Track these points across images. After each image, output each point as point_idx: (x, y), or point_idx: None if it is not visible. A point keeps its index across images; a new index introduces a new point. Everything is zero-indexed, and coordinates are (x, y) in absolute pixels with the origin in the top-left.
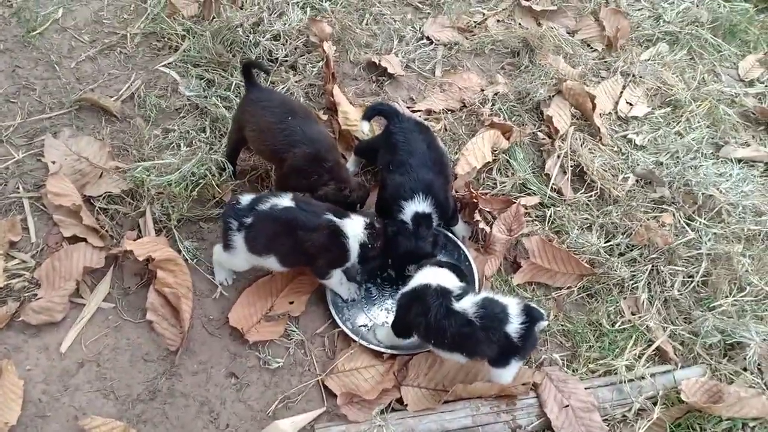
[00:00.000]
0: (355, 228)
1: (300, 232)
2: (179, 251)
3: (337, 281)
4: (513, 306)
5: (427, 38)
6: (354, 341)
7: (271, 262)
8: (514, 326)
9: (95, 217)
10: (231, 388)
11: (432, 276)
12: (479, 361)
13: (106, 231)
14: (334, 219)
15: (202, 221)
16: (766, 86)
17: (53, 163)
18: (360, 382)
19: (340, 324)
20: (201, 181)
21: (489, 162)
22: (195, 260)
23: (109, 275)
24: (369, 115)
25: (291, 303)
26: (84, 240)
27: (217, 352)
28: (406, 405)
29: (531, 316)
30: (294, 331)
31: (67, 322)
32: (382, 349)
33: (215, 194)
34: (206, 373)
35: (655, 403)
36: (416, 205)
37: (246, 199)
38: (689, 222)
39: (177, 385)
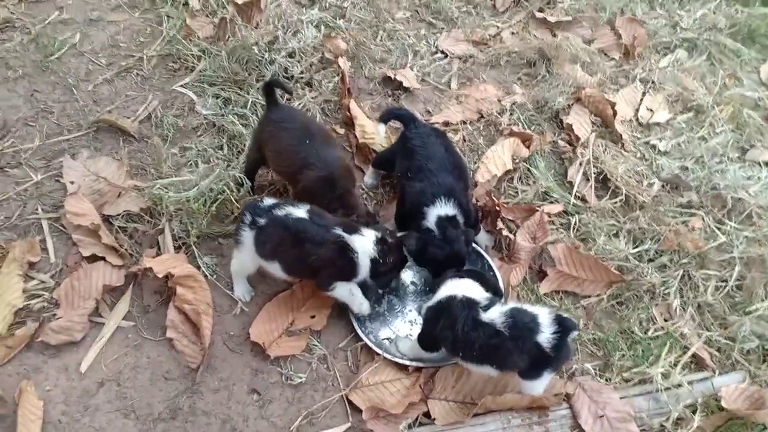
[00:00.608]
0: (365, 244)
1: (308, 245)
2: (198, 268)
3: (346, 293)
4: (544, 315)
5: (442, 52)
6: (378, 354)
7: (275, 269)
8: (545, 336)
9: (114, 236)
10: (253, 404)
11: (456, 287)
12: (510, 373)
13: (125, 249)
14: (343, 234)
15: (221, 237)
16: None
17: (72, 183)
18: (385, 396)
19: (363, 337)
20: (219, 197)
21: (510, 171)
22: (214, 276)
23: (128, 293)
24: (385, 118)
25: (312, 317)
26: (103, 259)
27: (238, 368)
28: (434, 419)
29: (563, 326)
30: (316, 346)
31: (86, 341)
32: (407, 362)
33: (234, 210)
34: (228, 390)
35: (694, 411)
36: (439, 209)
37: (269, 201)
38: (719, 226)
39: (198, 403)
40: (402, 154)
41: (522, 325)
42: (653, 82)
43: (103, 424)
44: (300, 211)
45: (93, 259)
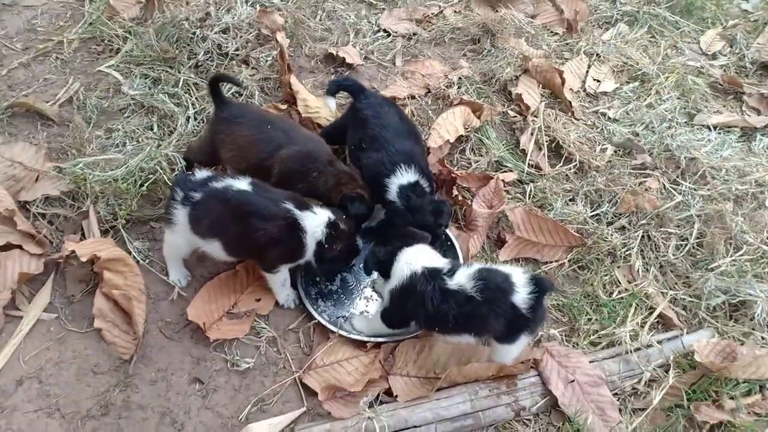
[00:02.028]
0: (314, 223)
1: (253, 220)
2: (129, 253)
3: (280, 280)
4: (518, 275)
5: (384, 31)
6: (333, 333)
7: (214, 248)
8: (521, 296)
9: (32, 223)
10: (196, 395)
11: (413, 258)
12: (487, 339)
13: (45, 236)
14: (293, 210)
15: (153, 221)
16: (728, 58)
17: None
18: (343, 375)
19: (316, 316)
20: (151, 176)
21: (462, 141)
22: (147, 261)
23: (49, 283)
24: (333, 90)
25: (258, 300)
26: (19, 247)
27: (177, 357)
28: (396, 396)
29: (540, 287)
30: (264, 328)
31: (2, 337)
32: (365, 338)
33: (167, 192)
34: (166, 381)
35: (666, 371)
36: (401, 178)
37: (202, 174)
38: (674, 186)
39: (133, 396)
40: (353, 125)
41: (494, 286)
42: (597, 54)
43: (23, 426)
44: (242, 183)
45: (8, 248)
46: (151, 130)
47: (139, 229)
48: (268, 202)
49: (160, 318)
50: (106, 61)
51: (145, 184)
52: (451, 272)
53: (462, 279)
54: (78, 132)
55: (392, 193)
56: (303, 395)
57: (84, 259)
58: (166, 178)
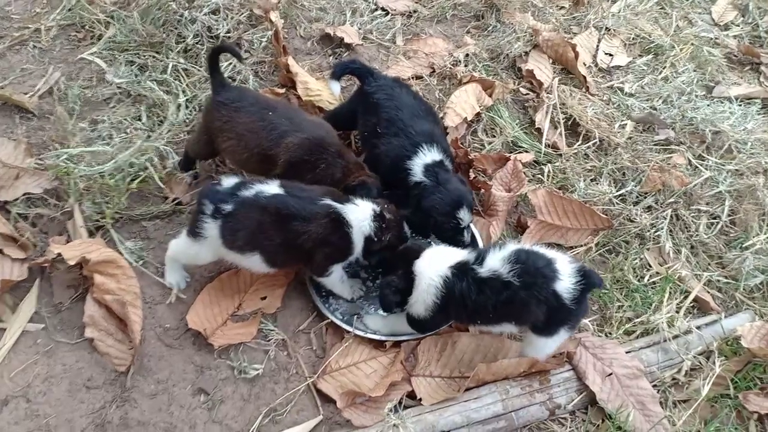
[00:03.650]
0: (359, 216)
1: (295, 224)
2: (121, 254)
3: (337, 279)
4: (563, 262)
5: (382, 9)
6: (348, 332)
7: (254, 261)
8: (565, 285)
9: (13, 225)
10: (201, 407)
11: (435, 265)
12: (524, 331)
13: (28, 239)
14: (335, 205)
15: (145, 220)
16: (741, 28)
17: None
18: (361, 379)
19: (328, 315)
20: (141, 173)
21: (473, 120)
22: (141, 262)
23: (34, 291)
24: (338, 73)
25: (263, 299)
26: (0, 252)
27: (178, 366)
28: (420, 399)
29: (587, 279)
30: (272, 331)
31: None
32: (384, 338)
33: (160, 188)
34: (168, 394)
35: (708, 358)
36: (423, 158)
37: (229, 181)
38: (700, 161)
39: (132, 412)
40: (364, 110)
41: (535, 270)
42: (607, 28)
43: None
44: (272, 187)
45: None
46: (140, 120)
47: (131, 228)
48: (305, 202)
49: (157, 324)
50: (88, 48)
51: (135, 181)
52: (480, 259)
53: (495, 263)
54: (60, 125)
55: (417, 173)
56: (318, 402)
57: (72, 263)
58: (156, 177)
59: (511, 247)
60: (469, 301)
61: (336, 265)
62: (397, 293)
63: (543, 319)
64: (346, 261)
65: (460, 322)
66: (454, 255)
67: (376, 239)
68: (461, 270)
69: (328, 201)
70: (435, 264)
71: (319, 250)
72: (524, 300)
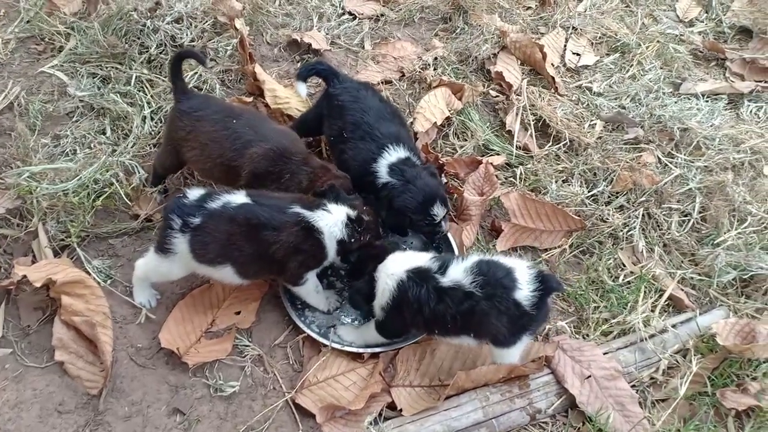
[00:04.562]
0: (329, 222)
1: (265, 233)
2: (89, 273)
3: (312, 289)
4: (522, 270)
5: (350, 13)
6: (325, 346)
7: (226, 274)
8: (524, 293)
9: None
10: (177, 428)
11: (392, 268)
12: (487, 341)
13: None
14: (304, 212)
15: (112, 237)
16: (706, 24)
17: None
18: (340, 391)
19: (304, 328)
20: (106, 190)
21: (444, 124)
22: (109, 281)
23: (0, 314)
24: (304, 74)
25: (237, 313)
26: None
27: (152, 387)
28: (401, 410)
29: (546, 284)
30: (247, 346)
31: None
32: (361, 350)
33: (127, 205)
34: (142, 415)
35: (684, 356)
36: (389, 158)
37: (195, 193)
38: (670, 159)
39: None
40: (330, 114)
41: (496, 281)
42: (574, 27)
43: None
44: (239, 197)
45: None
46: (104, 134)
47: (97, 246)
48: (274, 211)
49: (129, 344)
50: (49, 60)
51: (101, 198)
52: (443, 268)
53: (457, 274)
54: (21, 141)
55: (383, 174)
56: (298, 418)
57: (38, 284)
58: (122, 193)
59: (474, 258)
60: (427, 308)
61: (310, 273)
62: (360, 294)
63: (504, 331)
64: (320, 267)
65: (417, 330)
66: (414, 260)
67: (349, 242)
68: (420, 276)
69: (297, 209)
70: (393, 267)
71: (292, 259)
72: (484, 311)
